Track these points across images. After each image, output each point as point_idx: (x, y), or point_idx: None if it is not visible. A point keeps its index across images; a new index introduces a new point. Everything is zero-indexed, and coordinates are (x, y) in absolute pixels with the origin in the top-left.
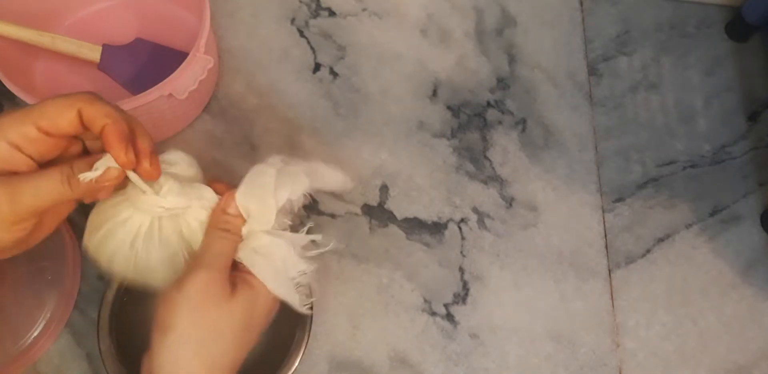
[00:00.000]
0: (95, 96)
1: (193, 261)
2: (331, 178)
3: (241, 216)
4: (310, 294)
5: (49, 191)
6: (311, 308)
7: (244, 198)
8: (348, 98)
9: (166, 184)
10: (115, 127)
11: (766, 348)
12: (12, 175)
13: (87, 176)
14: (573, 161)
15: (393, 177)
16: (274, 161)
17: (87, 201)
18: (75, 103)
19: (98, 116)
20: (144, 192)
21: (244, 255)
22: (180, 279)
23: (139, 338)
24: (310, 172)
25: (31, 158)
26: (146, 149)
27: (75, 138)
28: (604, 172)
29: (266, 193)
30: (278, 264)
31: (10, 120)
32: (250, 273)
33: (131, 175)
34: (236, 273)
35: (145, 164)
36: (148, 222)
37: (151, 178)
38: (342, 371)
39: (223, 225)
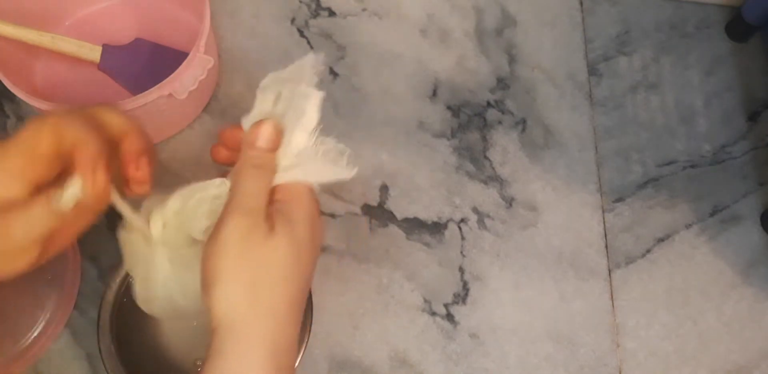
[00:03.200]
0: (62, 119)
1: (226, 205)
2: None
3: (273, 148)
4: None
5: (38, 221)
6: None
7: (272, 122)
8: (348, 98)
9: (156, 214)
10: (83, 154)
11: (766, 348)
12: (5, 209)
13: (61, 204)
14: (573, 161)
15: (393, 177)
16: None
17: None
18: (44, 130)
19: (66, 142)
20: (135, 223)
21: (279, 178)
22: (215, 230)
23: (139, 338)
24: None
25: (27, 186)
26: (131, 157)
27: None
28: (604, 172)
29: (299, 112)
30: (310, 163)
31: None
32: (284, 201)
33: (117, 202)
34: (271, 205)
35: (132, 171)
36: (167, 253)
37: (142, 188)
38: (342, 371)
39: (255, 161)
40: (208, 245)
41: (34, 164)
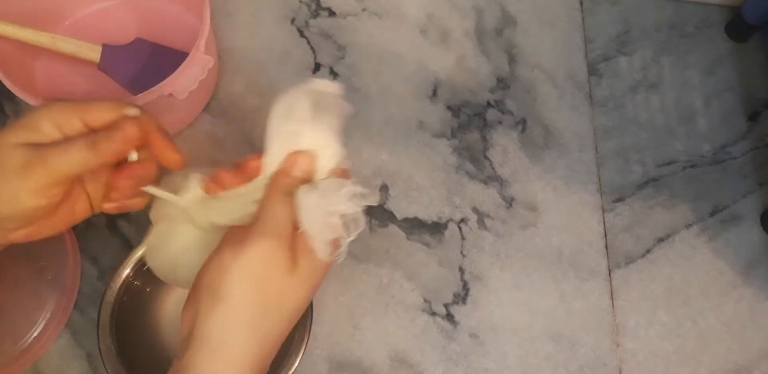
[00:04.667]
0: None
1: (254, 226)
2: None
3: (308, 179)
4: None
5: (75, 155)
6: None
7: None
8: (348, 98)
9: (190, 192)
10: (161, 135)
11: (766, 348)
12: (41, 145)
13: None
14: (573, 161)
15: (393, 177)
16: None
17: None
18: (120, 108)
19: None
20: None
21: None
22: (238, 246)
23: (139, 338)
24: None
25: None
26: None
27: None
28: (604, 172)
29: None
30: (320, 200)
31: (62, 108)
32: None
33: (153, 191)
34: (295, 235)
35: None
36: (193, 234)
37: (178, 165)
38: (342, 371)
39: (288, 189)
40: (225, 256)
41: (83, 131)
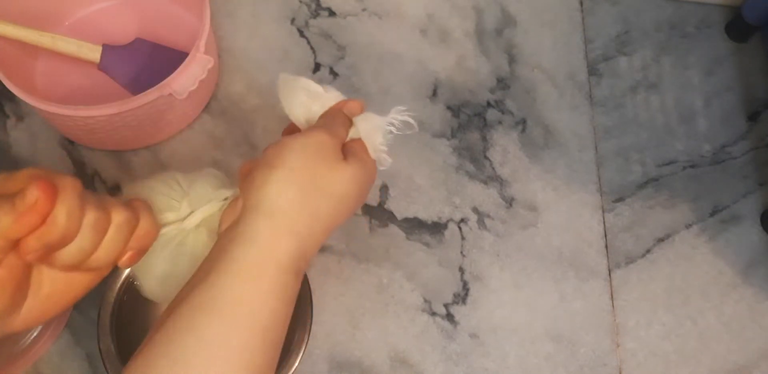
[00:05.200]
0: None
1: (314, 125)
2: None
3: (355, 114)
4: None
5: None
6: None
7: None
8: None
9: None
10: (43, 236)
11: (766, 348)
12: None
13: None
14: (573, 161)
15: (393, 177)
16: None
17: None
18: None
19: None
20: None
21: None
22: (296, 134)
23: (139, 338)
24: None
25: None
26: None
27: None
28: (604, 172)
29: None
30: (375, 115)
31: None
32: (356, 147)
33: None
34: (345, 143)
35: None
36: (177, 235)
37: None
38: (342, 371)
39: (341, 117)
40: (285, 140)
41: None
